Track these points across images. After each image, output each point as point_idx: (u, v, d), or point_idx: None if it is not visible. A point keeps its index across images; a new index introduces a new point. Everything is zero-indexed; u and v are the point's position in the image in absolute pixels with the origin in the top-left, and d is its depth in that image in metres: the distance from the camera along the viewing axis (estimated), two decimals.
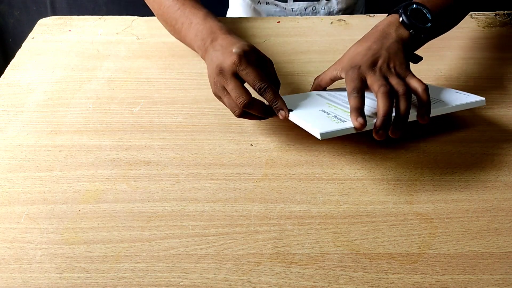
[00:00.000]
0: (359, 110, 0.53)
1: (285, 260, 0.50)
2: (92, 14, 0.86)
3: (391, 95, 0.53)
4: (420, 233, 0.52)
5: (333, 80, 0.62)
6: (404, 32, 0.60)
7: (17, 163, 0.60)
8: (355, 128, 0.52)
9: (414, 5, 0.61)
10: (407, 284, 0.47)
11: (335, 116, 0.55)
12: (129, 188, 0.57)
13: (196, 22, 0.64)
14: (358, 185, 0.57)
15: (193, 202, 0.55)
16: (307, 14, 0.91)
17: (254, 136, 0.63)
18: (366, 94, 0.55)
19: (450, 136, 0.62)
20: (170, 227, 0.53)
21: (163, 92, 0.70)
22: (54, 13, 1.46)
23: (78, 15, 0.86)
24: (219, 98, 0.58)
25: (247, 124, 0.64)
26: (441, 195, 0.55)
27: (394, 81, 0.55)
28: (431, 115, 0.56)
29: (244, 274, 0.48)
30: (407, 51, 0.60)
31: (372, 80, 0.55)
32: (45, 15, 0.89)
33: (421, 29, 0.60)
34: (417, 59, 0.63)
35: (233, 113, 0.57)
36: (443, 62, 0.72)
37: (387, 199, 0.55)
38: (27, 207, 0.55)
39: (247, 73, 0.56)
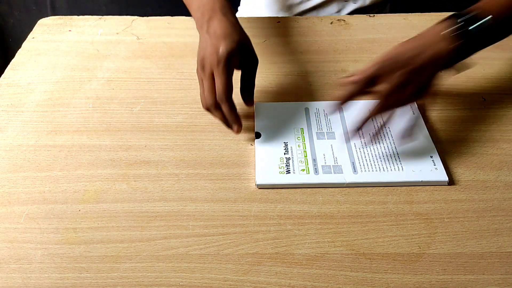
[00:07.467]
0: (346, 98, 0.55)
1: (285, 260, 0.50)
2: (92, 14, 0.86)
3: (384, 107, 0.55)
4: (420, 233, 0.52)
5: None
6: (452, 43, 0.54)
7: (17, 163, 0.60)
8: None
9: (472, 14, 0.55)
10: (407, 284, 0.47)
11: (286, 165, 0.58)
12: (129, 188, 0.57)
13: None
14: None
15: (193, 202, 0.55)
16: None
17: (254, 136, 0.63)
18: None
19: (450, 136, 0.62)
20: (170, 227, 0.53)
21: (163, 92, 0.70)
22: (54, 13, 1.46)
23: (78, 15, 0.86)
24: (199, 80, 0.60)
25: (247, 124, 0.64)
26: (441, 195, 0.55)
27: (401, 95, 0.55)
28: (383, 181, 0.56)
29: (244, 274, 0.48)
30: (447, 64, 0.56)
31: (387, 87, 0.54)
32: (45, 15, 0.89)
33: (473, 37, 0.54)
34: (460, 68, 0.58)
35: (201, 104, 0.60)
36: None
37: (387, 199, 0.55)
38: (27, 207, 0.55)
39: (220, 77, 0.57)
